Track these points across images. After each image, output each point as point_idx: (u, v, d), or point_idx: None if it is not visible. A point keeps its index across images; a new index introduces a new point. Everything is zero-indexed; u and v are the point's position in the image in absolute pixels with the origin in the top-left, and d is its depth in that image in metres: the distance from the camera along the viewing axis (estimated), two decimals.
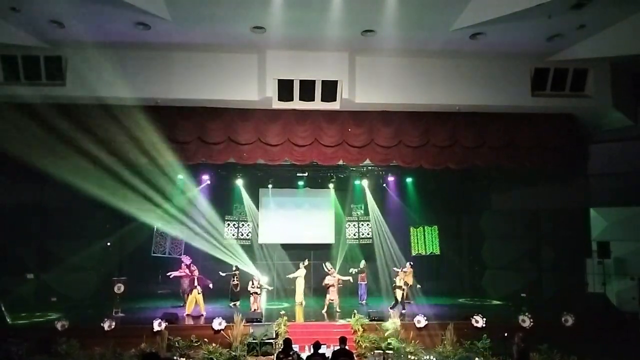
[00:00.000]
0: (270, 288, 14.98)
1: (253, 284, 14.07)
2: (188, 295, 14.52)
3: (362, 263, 16.19)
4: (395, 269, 15.05)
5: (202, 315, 13.25)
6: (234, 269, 15.58)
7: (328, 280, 14.37)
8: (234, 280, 15.24)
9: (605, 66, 12.58)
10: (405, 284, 14.25)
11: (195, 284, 13.66)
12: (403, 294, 14.04)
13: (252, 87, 12.21)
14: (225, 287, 15.34)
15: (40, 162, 12.69)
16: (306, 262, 16.16)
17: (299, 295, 15.58)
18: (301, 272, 15.77)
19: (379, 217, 17.96)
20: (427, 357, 10.56)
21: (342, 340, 9.15)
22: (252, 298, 13.84)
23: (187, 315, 13.27)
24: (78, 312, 13.34)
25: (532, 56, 12.26)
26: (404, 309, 13.86)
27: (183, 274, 14.93)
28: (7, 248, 13.87)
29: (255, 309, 13.37)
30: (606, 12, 10.32)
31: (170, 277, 15.04)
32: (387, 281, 17.58)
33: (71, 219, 15.13)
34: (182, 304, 14.68)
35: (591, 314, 12.95)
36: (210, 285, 14.33)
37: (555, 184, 14.93)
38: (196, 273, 13.98)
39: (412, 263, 15.00)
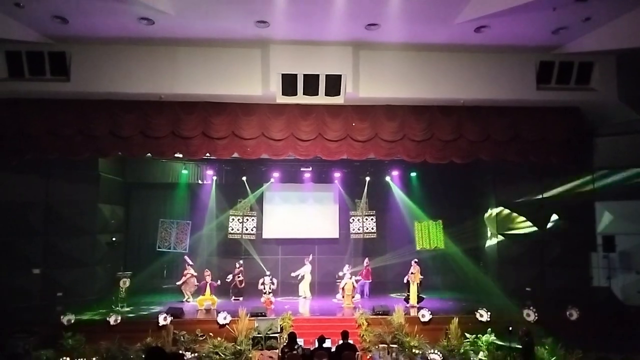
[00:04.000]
0: (273, 300, 14.70)
1: (264, 281, 14.29)
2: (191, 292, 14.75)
3: (366, 261, 16.20)
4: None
5: (213, 308, 13.36)
6: (238, 265, 15.67)
7: (344, 283, 14.46)
8: (239, 277, 15.34)
9: (611, 59, 12.48)
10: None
11: (208, 289, 13.77)
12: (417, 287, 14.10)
13: (255, 81, 12.18)
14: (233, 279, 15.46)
15: (46, 158, 12.83)
16: (310, 257, 16.23)
17: (304, 290, 15.65)
18: (307, 269, 15.85)
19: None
20: (432, 351, 10.56)
21: (345, 335, 9.20)
22: (263, 297, 14.08)
23: (199, 309, 13.48)
24: (84, 306, 13.42)
25: (537, 49, 12.17)
26: (418, 302, 13.88)
27: (189, 275, 15.08)
28: (13, 243, 13.94)
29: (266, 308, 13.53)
30: (612, 5, 10.22)
31: (181, 284, 15.21)
32: (390, 276, 17.68)
33: (76, 214, 15.21)
34: (187, 300, 14.82)
35: (596, 308, 12.95)
36: (218, 283, 14.43)
37: (560, 178, 14.87)
38: (209, 279, 14.04)
39: (416, 260, 14.97)
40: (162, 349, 4.92)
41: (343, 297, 14.47)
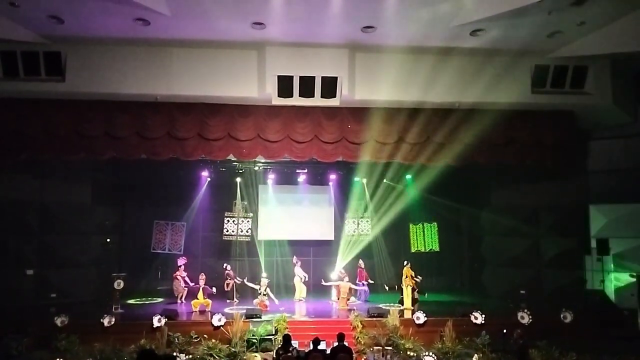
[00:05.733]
0: (267, 303, 14.45)
1: (261, 283, 14.25)
2: (183, 295, 14.69)
3: (360, 262, 16.18)
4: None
5: (207, 310, 13.33)
6: (226, 268, 15.63)
7: (342, 286, 14.42)
8: (227, 279, 15.29)
9: (606, 63, 12.56)
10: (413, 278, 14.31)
11: (201, 292, 13.73)
12: (411, 288, 14.09)
13: (251, 83, 12.19)
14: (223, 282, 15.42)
15: (40, 158, 12.77)
16: (299, 262, 16.11)
17: (299, 292, 15.60)
18: (299, 271, 15.81)
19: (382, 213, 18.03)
20: (426, 353, 10.56)
21: (340, 337, 9.17)
22: (258, 299, 14.01)
23: (194, 311, 13.41)
24: (78, 308, 13.35)
25: (533, 53, 12.22)
26: (413, 304, 13.88)
27: (180, 278, 14.99)
28: (7, 243, 13.87)
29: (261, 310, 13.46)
30: (607, 9, 10.30)
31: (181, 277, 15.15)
32: (385, 278, 17.67)
33: (71, 215, 15.15)
34: (179, 302, 14.76)
35: (590, 311, 12.99)
36: (214, 289, 14.43)
37: (555, 181, 14.94)
38: (202, 283, 13.99)
39: (406, 263, 14.95)
40: (153, 352, 4.90)
41: (338, 298, 14.45)
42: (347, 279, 14.67)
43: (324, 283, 15.21)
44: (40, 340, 10.85)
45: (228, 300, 14.94)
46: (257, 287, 14.42)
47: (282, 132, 12.86)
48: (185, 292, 14.86)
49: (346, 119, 12.93)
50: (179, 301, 14.76)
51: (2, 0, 9.76)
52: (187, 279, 14.99)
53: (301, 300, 15.43)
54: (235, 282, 15.33)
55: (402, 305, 13.93)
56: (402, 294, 14.18)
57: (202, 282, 14.01)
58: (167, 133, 12.59)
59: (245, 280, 14.93)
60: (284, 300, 14.98)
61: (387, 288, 14.57)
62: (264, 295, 14.23)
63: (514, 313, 12.27)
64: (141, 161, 13.62)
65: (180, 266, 15.29)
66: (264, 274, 15.29)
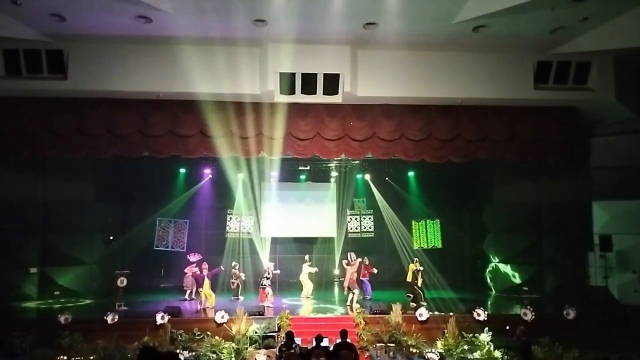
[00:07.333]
0: (277, 272, 15.00)
1: (263, 279, 14.22)
2: (192, 291, 14.70)
3: (365, 259, 16.15)
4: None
5: (211, 307, 13.32)
6: (234, 266, 15.61)
7: (349, 272, 14.35)
8: (234, 278, 15.29)
9: (609, 59, 12.51)
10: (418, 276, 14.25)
11: (207, 282, 13.72)
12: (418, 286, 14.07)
13: (253, 80, 12.18)
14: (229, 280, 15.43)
15: (43, 156, 12.80)
16: (308, 259, 16.09)
17: (306, 289, 15.49)
18: (308, 269, 15.76)
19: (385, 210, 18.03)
20: (429, 350, 10.57)
21: (343, 334, 9.20)
22: (261, 292, 13.98)
23: (203, 308, 13.32)
24: (81, 305, 13.38)
25: (535, 49, 12.19)
26: (417, 302, 13.83)
27: (189, 274, 15.01)
28: (11, 242, 13.91)
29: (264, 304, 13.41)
30: (610, 5, 10.26)
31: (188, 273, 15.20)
32: (388, 275, 17.68)
33: (74, 213, 15.17)
34: (187, 298, 14.77)
35: (593, 308, 12.98)
36: (222, 267, 14.63)
37: (558, 178, 14.91)
38: (206, 272, 14.00)
39: (416, 259, 14.95)
40: (154, 349, 4.90)
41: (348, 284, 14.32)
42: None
43: (345, 285, 15.00)
44: (44, 337, 10.88)
45: (233, 297, 14.95)
46: (263, 278, 14.31)
47: (284, 129, 12.85)
48: (193, 290, 14.89)
49: (348, 116, 12.91)
50: (187, 298, 14.78)
51: None
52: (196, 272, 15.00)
53: (309, 297, 15.29)
54: (240, 281, 15.29)
55: (415, 303, 13.72)
56: (411, 294, 14.05)
57: (205, 271, 13.99)
58: (169, 131, 12.60)
59: (262, 282, 14.65)
60: (289, 297, 14.99)
61: (409, 297, 14.36)
62: (268, 284, 14.14)
63: (516, 309, 12.27)
64: (143, 159, 13.65)
65: (193, 263, 15.31)
66: (267, 266, 15.16)
